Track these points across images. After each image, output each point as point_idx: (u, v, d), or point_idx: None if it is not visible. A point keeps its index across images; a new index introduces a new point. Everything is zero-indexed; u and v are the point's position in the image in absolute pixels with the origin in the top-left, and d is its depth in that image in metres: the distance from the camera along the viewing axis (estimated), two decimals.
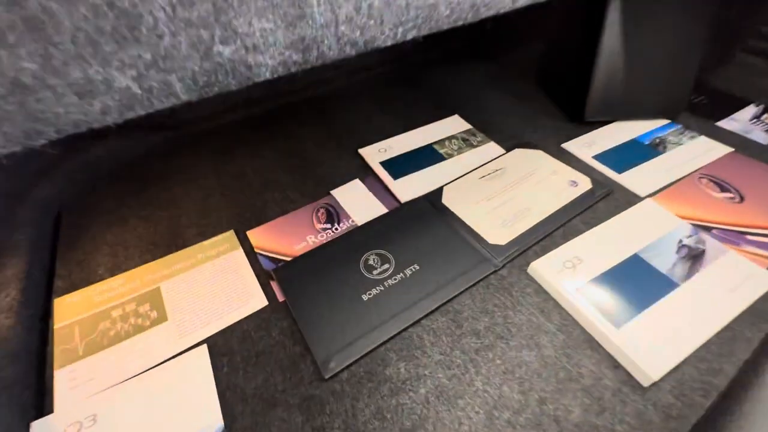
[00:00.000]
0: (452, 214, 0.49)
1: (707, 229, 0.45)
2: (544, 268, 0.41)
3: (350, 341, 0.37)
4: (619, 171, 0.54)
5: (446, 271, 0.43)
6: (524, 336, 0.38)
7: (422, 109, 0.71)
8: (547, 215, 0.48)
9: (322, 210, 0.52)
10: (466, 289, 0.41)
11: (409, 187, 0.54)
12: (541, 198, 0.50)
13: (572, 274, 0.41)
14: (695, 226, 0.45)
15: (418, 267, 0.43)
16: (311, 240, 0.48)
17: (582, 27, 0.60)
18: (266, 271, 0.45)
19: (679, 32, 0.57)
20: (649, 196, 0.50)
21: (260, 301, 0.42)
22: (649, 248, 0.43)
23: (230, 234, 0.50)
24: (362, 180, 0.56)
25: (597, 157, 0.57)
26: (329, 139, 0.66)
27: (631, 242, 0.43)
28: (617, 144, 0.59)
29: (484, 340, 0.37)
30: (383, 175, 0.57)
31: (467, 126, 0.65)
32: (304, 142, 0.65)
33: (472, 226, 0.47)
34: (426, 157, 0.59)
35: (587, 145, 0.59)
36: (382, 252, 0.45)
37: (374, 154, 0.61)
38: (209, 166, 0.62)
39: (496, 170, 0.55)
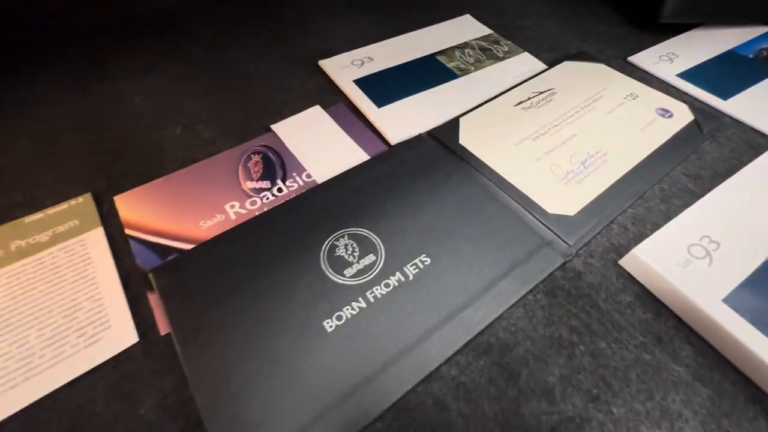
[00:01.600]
0: (478, 161, 0.29)
1: None
2: (653, 260, 0.23)
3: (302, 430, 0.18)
4: (724, 97, 0.35)
5: (479, 265, 0.23)
6: (643, 394, 0.20)
7: (417, 5, 0.47)
8: (633, 164, 0.29)
9: (256, 157, 0.30)
10: (519, 300, 0.23)
11: (401, 120, 0.33)
12: (619, 137, 0.31)
13: (709, 273, 0.22)
14: None
15: (428, 260, 0.24)
16: (233, 211, 0.27)
17: None
18: (142, 270, 0.24)
19: None
20: None
21: (124, 334, 0.22)
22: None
23: (84, 200, 0.28)
24: (325, 108, 0.34)
25: (684, 76, 0.37)
26: (274, 44, 0.42)
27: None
28: (710, 57, 0.40)
29: (568, 406, 0.19)
30: (359, 99, 0.35)
31: (486, 30, 0.43)
32: (233, 48, 0.41)
33: (515, 184, 0.28)
34: (427, 72, 0.37)
35: (667, 59, 0.39)
36: (362, 233, 0.25)
37: (345, 68, 0.38)
38: (61, 85, 0.37)
39: (541, 93, 0.35)
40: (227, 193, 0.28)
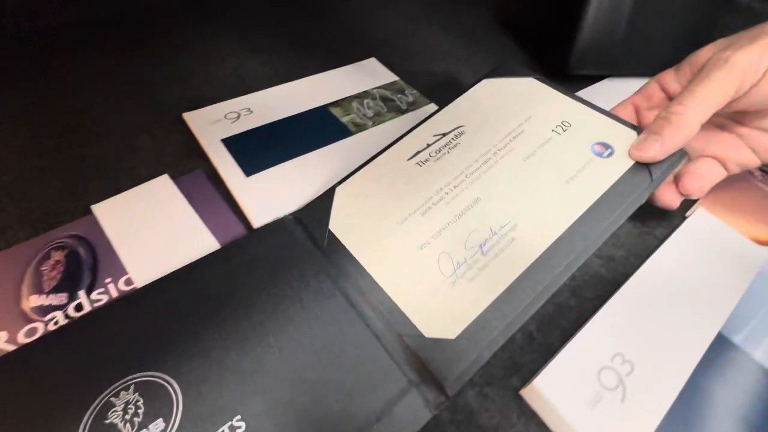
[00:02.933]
0: (348, 257, 0.23)
1: None
2: (556, 397, 0.18)
3: None
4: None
5: (320, 429, 0.17)
6: None
7: (318, 45, 0.42)
8: (550, 241, 0.21)
9: (57, 255, 0.22)
10: None
11: (272, 193, 0.27)
12: (536, 196, 0.23)
13: (622, 413, 0.18)
14: None
15: (241, 426, 0.17)
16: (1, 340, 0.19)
17: None
18: None
19: None
20: (695, 204, 0.29)
21: None
22: (737, 323, 0.21)
23: None
24: (177, 177, 0.27)
25: None
26: (136, 88, 0.34)
27: (709, 308, 0.22)
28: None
29: None
30: (224, 165, 0.28)
31: (392, 77, 0.39)
32: (81, 89, 0.33)
33: (389, 291, 0.21)
34: (315, 129, 0.32)
35: None
36: (157, 380, 0.18)
37: (215, 123, 0.31)
38: None
39: (444, 135, 0.27)
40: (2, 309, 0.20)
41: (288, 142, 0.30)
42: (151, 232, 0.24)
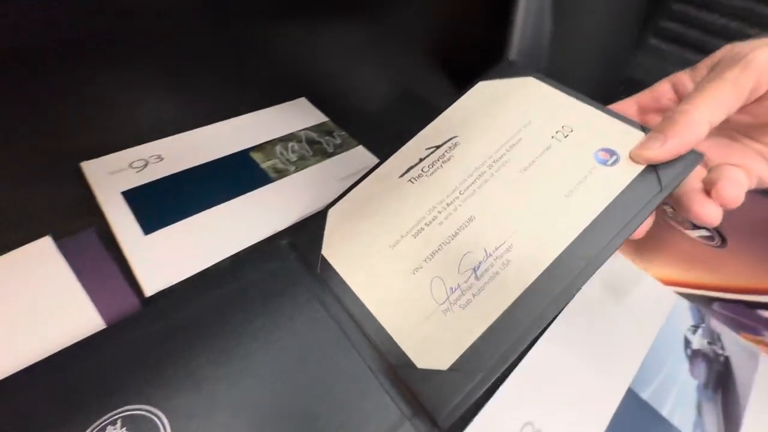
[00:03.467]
0: (341, 284, 0.22)
1: (707, 302, 0.27)
2: None
3: None
4: None
5: None
6: None
7: (244, 84, 0.41)
8: (546, 264, 0.19)
9: None
10: None
11: (174, 255, 0.24)
12: (533, 213, 0.21)
13: None
14: (691, 299, 0.26)
15: None
16: None
17: None
18: None
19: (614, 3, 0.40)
20: None
21: None
22: (646, 377, 0.21)
23: None
24: (61, 239, 0.24)
25: None
26: (31, 131, 0.31)
27: (619, 363, 0.22)
28: None
29: None
30: (120, 222, 0.25)
31: (321, 118, 0.38)
32: None
33: (381, 320, 0.21)
34: (231, 176, 0.30)
35: None
36: (144, 413, 0.17)
37: (118, 172, 0.29)
38: None
39: (438, 147, 0.25)
40: None
41: (199, 193, 0.28)
42: (17, 309, 0.21)
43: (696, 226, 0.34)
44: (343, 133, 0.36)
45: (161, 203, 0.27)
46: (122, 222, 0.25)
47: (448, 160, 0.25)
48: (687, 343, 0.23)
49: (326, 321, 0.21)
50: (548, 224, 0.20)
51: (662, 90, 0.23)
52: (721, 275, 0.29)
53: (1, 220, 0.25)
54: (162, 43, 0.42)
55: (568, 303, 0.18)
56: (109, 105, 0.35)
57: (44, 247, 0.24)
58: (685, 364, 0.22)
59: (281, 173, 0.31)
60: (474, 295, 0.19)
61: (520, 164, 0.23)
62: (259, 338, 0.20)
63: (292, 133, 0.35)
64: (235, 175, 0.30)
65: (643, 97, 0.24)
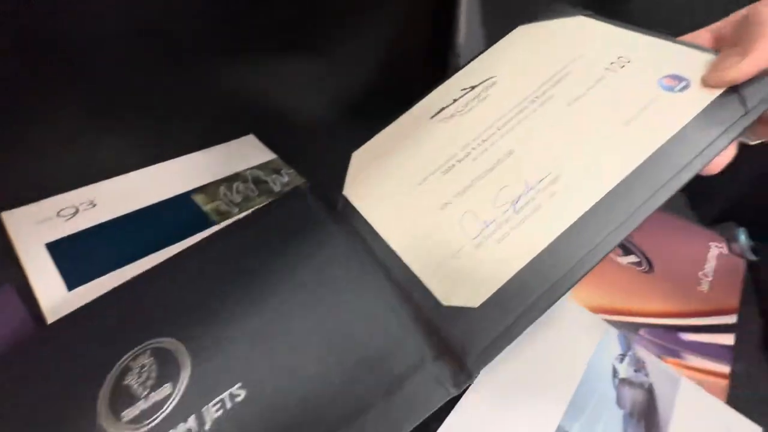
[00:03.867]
0: (362, 222, 0.21)
1: (633, 328, 0.28)
2: None
3: None
4: None
5: (319, 403, 0.16)
6: None
7: (189, 121, 0.40)
8: (603, 192, 0.17)
9: None
10: None
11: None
12: (586, 141, 0.19)
13: None
14: (619, 326, 0.28)
15: (241, 394, 0.17)
16: None
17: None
18: None
19: None
20: None
21: None
22: (574, 410, 0.22)
23: None
24: None
25: None
26: None
27: (549, 402, 0.23)
28: None
29: None
30: (40, 278, 0.24)
31: (268, 155, 0.38)
32: None
33: (404, 257, 0.19)
34: (170, 222, 0.29)
35: None
36: (168, 345, 0.19)
37: (44, 222, 0.27)
38: None
39: (473, 88, 0.24)
40: None
41: (133, 241, 0.27)
42: None
43: (626, 252, 0.36)
44: (291, 170, 0.37)
45: (90, 255, 0.26)
46: (43, 277, 0.24)
47: (485, 99, 0.23)
48: (615, 372, 0.24)
49: (347, 259, 0.20)
50: (603, 154, 0.18)
51: (702, 38, 0.20)
52: (647, 300, 0.30)
53: None
54: (100, 80, 0.40)
55: (627, 234, 0.16)
56: (38, 147, 0.33)
57: None
58: (612, 394, 0.23)
59: (224, 215, 0.31)
60: (512, 229, 0.17)
61: (568, 98, 0.20)
62: (279, 275, 0.20)
63: (237, 173, 0.35)
64: (175, 220, 0.29)
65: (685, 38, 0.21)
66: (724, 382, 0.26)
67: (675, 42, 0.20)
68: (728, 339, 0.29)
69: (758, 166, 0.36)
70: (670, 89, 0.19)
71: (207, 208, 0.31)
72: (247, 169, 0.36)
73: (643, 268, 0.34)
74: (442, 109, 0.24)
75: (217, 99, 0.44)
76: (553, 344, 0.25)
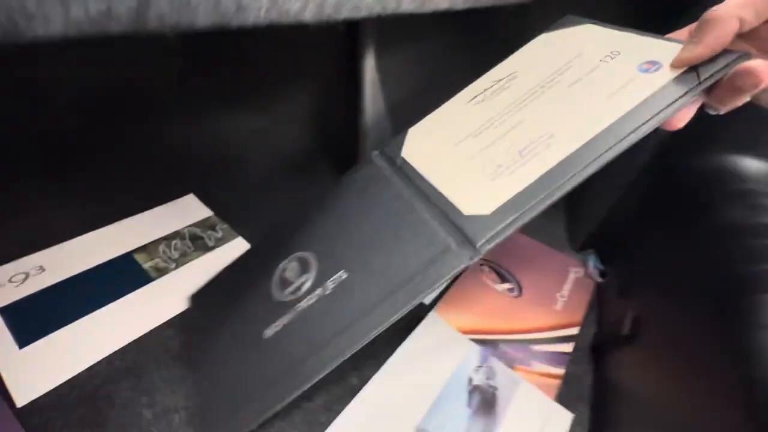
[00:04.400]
0: (414, 172, 0.31)
1: (495, 344, 0.36)
2: None
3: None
4: None
5: (381, 278, 0.27)
6: None
7: (132, 184, 0.45)
8: (582, 143, 0.23)
9: None
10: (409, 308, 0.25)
11: (50, 361, 0.28)
12: (575, 110, 0.25)
13: None
14: (483, 343, 0.36)
15: (345, 274, 0.28)
16: None
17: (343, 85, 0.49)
18: None
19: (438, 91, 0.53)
20: (436, 302, 0.39)
21: None
22: (434, 411, 0.30)
23: None
24: None
25: None
26: None
27: (413, 405, 0.30)
28: None
29: None
30: None
31: (206, 213, 0.44)
32: None
33: (442, 190, 0.28)
34: (112, 281, 0.34)
35: None
36: (305, 255, 0.32)
37: None
38: None
39: (500, 80, 0.32)
40: None
41: (80, 300, 0.32)
42: None
43: (503, 280, 0.45)
44: (225, 226, 0.43)
45: (40, 315, 0.30)
46: None
47: (507, 87, 0.31)
48: (470, 380, 0.32)
49: (402, 193, 0.29)
50: (588, 117, 0.24)
51: (682, 33, 0.25)
52: (512, 320, 0.39)
53: None
54: (42, 147, 0.43)
55: (594, 171, 0.22)
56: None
57: None
58: (465, 398, 0.31)
59: (162, 271, 0.36)
60: (517, 168, 0.25)
61: (568, 83, 0.27)
62: (363, 208, 0.31)
63: (176, 231, 0.40)
64: (117, 279, 0.35)
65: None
66: (557, 382, 0.34)
67: (657, 37, 0.26)
68: (568, 347, 0.37)
69: (609, 200, 0.46)
70: (647, 71, 0.24)
71: (146, 265, 0.36)
72: (186, 227, 0.41)
73: (514, 294, 0.42)
74: (475, 96, 0.32)
75: (160, 162, 0.49)
76: (424, 359, 0.32)
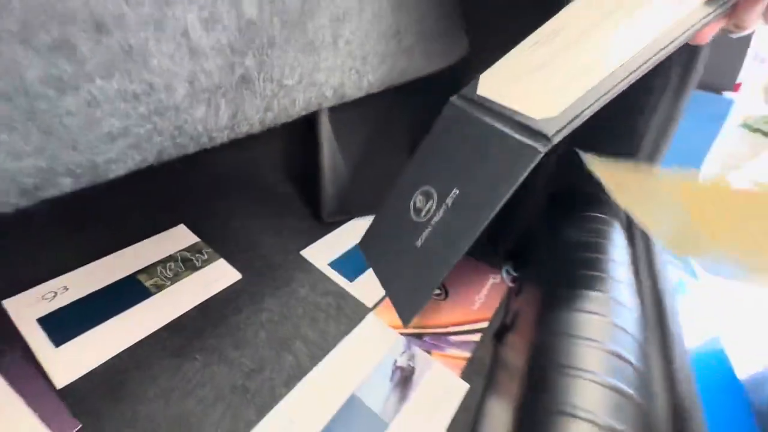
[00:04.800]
0: (490, 101, 0.37)
1: (419, 336, 0.47)
2: None
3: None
4: (351, 279, 0.54)
5: (486, 182, 0.35)
6: None
7: (132, 217, 0.56)
8: (631, 53, 0.30)
9: None
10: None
11: (83, 355, 0.38)
12: (625, 32, 0.32)
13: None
14: (410, 336, 0.47)
15: (457, 190, 0.38)
16: None
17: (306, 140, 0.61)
18: None
19: (386, 139, 0.64)
20: (375, 306, 0.51)
21: None
22: (366, 384, 0.41)
23: None
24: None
25: (332, 264, 0.56)
26: None
27: (352, 378, 0.41)
28: (355, 244, 0.60)
29: None
30: (35, 341, 0.39)
31: (194, 239, 0.55)
32: None
33: (513, 106, 0.34)
34: (121, 296, 0.45)
35: (327, 248, 0.58)
36: (425, 188, 0.42)
37: (33, 305, 0.42)
38: None
39: (553, 30, 0.39)
40: None
41: (98, 311, 0.42)
42: None
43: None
44: (210, 249, 0.53)
45: (69, 322, 0.41)
46: (38, 341, 0.38)
47: (563, 31, 0.37)
48: (395, 362, 0.43)
49: (482, 126, 0.36)
50: (632, 38, 0.30)
51: None
52: (435, 318, 0.50)
53: None
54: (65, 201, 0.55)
55: (637, 78, 0.28)
56: (30, 245, 0.47)
57: None
58: (389, 374, 0.42)
59: (160, 288, 0.46)
60: (568, 86, 0.31)
61: (618, 17, 0.33)
62: (451, 136, 0.41)
63: (170, 255, 0.51)
64: (125, 294, 0.45)
65: None
66: (463, 363, 0.45)
67: None
68: (476, 337, 0.49)
69: (527, 214, 0.58)
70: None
71: (147, 284, 0.47)
72: (177, 251, 0.52)
73: (441, 297, 0.54)
74: (537, 41, 0.39)
75: (157, 197, 0.60)
76: (361, 347, 0.43)
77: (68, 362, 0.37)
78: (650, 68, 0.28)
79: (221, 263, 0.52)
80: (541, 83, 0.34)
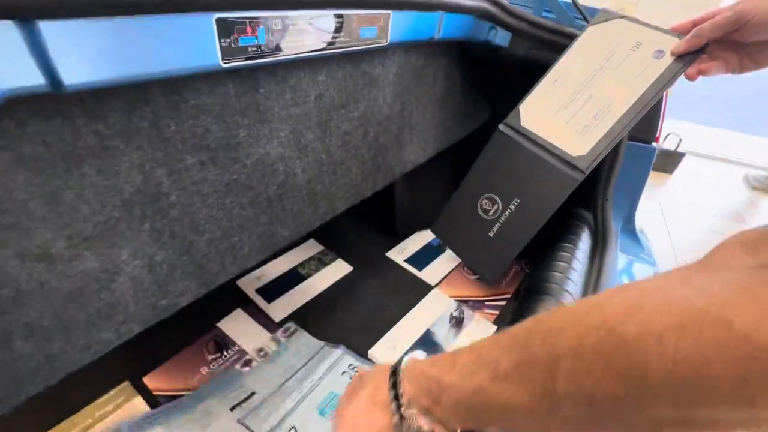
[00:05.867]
0: (533, 134, 0.55)
1: (466, 302, 0.76)
2: None
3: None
4: (420, 269, 0.84)
5: (539, 197, 0.55)
6: None
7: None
8: (630, 103, 0.48)
9: (211, 342, 0.65)
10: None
11: (281, 308, 0.72)
12: (622, 84, 0.49)
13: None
14: (460, 301, 0.76)
15: (518, 200, 0.58)
16: (204, 371, 0.60)
17: None
18: None
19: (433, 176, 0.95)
20: (437, 285, 0.80)
21: None
22: (434, 324, 0.70)
23: (126, 385, 0.57)
24: (243, 308, 0.71)
25: (407, 260, 0.86)
26: None
27: (426, 321, 0.71)
28: (421, 247, 0.91)
29: None
30: (259, 301, 0.73)
31: (320, 247, 0.88)
32: None
33: (553, 142, 0.53)
34: (292, 279, 0.78)
35: (402, 250, 0.89)
36: (489, 195, 0.62)
37: (251, 282, 0.77)
38: None
39: (568, 68, 0.56)
40: (199, 363, 0.61)
41: (281, 285, 0.76)
42: (241, 328, 0.67)
43: (474, 272, 0.85)
44: (332, 253, 0.86)
45: (272, 291, 0.75)
46: (256, 298, 0.73)
47: (576, 71, 0.54)
48: (451, 315, 0.72)
49: (525, 148, 0.56)
50: (628, 90, 0.48)
51: (685, 26, 0.46)
52: (476, 291, 0.79)
53: (208, 312, 0.72)
54: None
55: (630, 127, 0.48)
56: None
57: (238, 313, 0.71)
58: (448, 321, 0.70)
59: (309, 275, 0.80)
60: (595, 126, 0.50)
61: (613, 67, 0.51)
62: (498, 160, 0.62)
63: (311, 257, 0.85)
64: (294, 278, 0.79)
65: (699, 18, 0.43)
66: (493, 317, 0.73)
67: (665, 32, 0.47)
68: (502, 303, 0.76)
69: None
70: (658, 57, 0.47)
71: (302, 272, 0.80)
72: (314, 254, 0.85)
73: (478, 277, 0.82)
74: (557, 79, 0.56)
75: None
76: (428, 309, 0.73)
77: (277, 309, 0.71)
78: (642, 115, 0.47)
79: (339, 261, 0.84)
80: (570, 123, 0.52)
